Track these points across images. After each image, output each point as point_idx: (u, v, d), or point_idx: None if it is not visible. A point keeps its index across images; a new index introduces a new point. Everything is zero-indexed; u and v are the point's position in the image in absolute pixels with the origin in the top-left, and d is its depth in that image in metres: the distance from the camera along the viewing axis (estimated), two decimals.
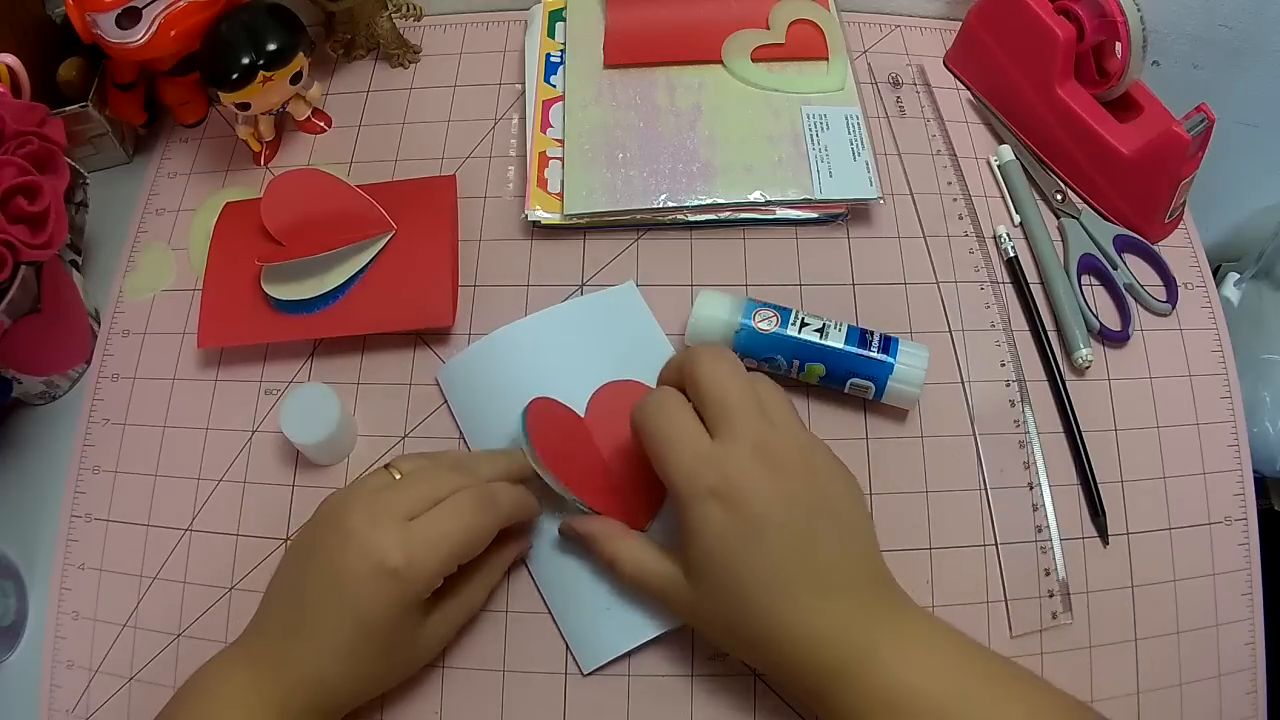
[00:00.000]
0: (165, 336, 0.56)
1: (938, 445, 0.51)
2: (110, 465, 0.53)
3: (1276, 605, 0.50)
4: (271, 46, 0.53)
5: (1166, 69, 0.64)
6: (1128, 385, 0.53)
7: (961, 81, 0.63)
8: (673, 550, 0.43)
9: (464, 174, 0.59)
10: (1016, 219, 0.58)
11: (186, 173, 0.62)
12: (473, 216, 0.58)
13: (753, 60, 0.60)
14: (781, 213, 0.56)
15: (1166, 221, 0.57)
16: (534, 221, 0.56)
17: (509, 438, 0.49)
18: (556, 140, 0.58)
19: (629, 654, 0.46)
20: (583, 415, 0.49)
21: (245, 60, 0.53)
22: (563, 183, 0.56)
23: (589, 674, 0.46)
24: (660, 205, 0.55)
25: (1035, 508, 0.50)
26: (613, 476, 0.47)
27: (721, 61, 0.60)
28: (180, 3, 0.53)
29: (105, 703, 0.48)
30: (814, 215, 0.56)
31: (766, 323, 0.50)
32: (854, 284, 0.55)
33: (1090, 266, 0.56)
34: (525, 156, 0.58)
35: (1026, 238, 0.57)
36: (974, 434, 0.51)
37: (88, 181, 0.57)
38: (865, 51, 0.64)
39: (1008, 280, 0.56)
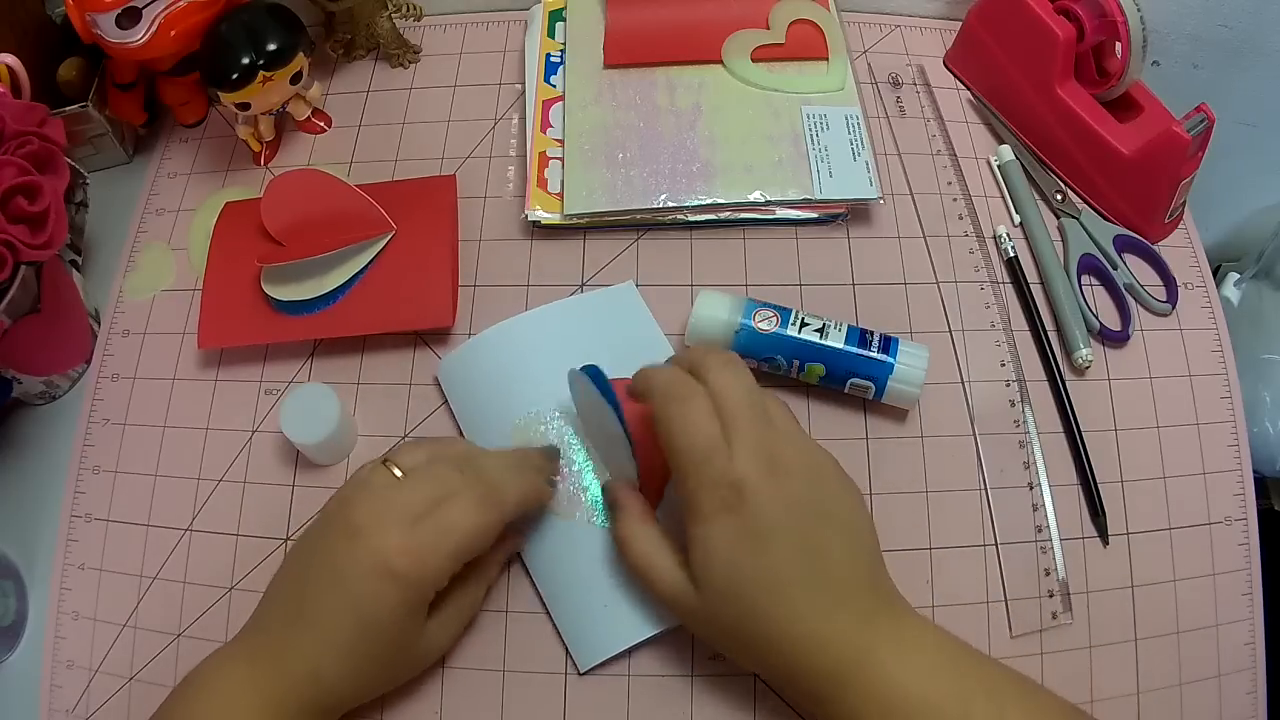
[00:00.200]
0: (165, 336, 0.56)
1: (938, 445, 0.51)
2: (110, 465, 0.53)
3: (1276, 605, 0.50)
4: (271, 46, 0.53)
5: (1166, 69, 0.64)
6: (1128, 385, 0.53)
7: (961, 81, 0.63)
8: (679, 548, 0.43)
9: (464, 174, 0.59)
10: (1016, 219, 0.58)
11: (186, 173, 0.62)
12: (473, 216, 0.58)
13: (753, 60, 0.60)
14: (781, 213, 0.56)
15: (1166, 221, 0.57)
16: (534, 221, 0.56)
17: (509, 429, 0.49)
18: (556, 140, 0.58)
19: (628, 653, 0.46)
20: (574, 401, 0.49)
21: (245, 60, 0.53)
22: (563, 183, 0.56)
23: (586, 672, 0.46)
24: (660, 205, 0.55)
25: (1035, 508, 0.50)
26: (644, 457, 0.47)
27: (721, 61, 0.60)
28: (180, 3, 0.53)
29: (105, 703, 0.48)
30: (814, 215, 0.56)
31: (766, 323, 0.50)
32: (854, 284, 0.55)
33: (1090, 266, 0.56)
34: (525, 156, 0.58)
35: (1026, 238, 0.57)
36: (974, 434, 0.51)
37: (88, 181, 0.57)
38: (865, 51, 0.64)
39: (1008, 280, 0.56)
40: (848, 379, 0.50)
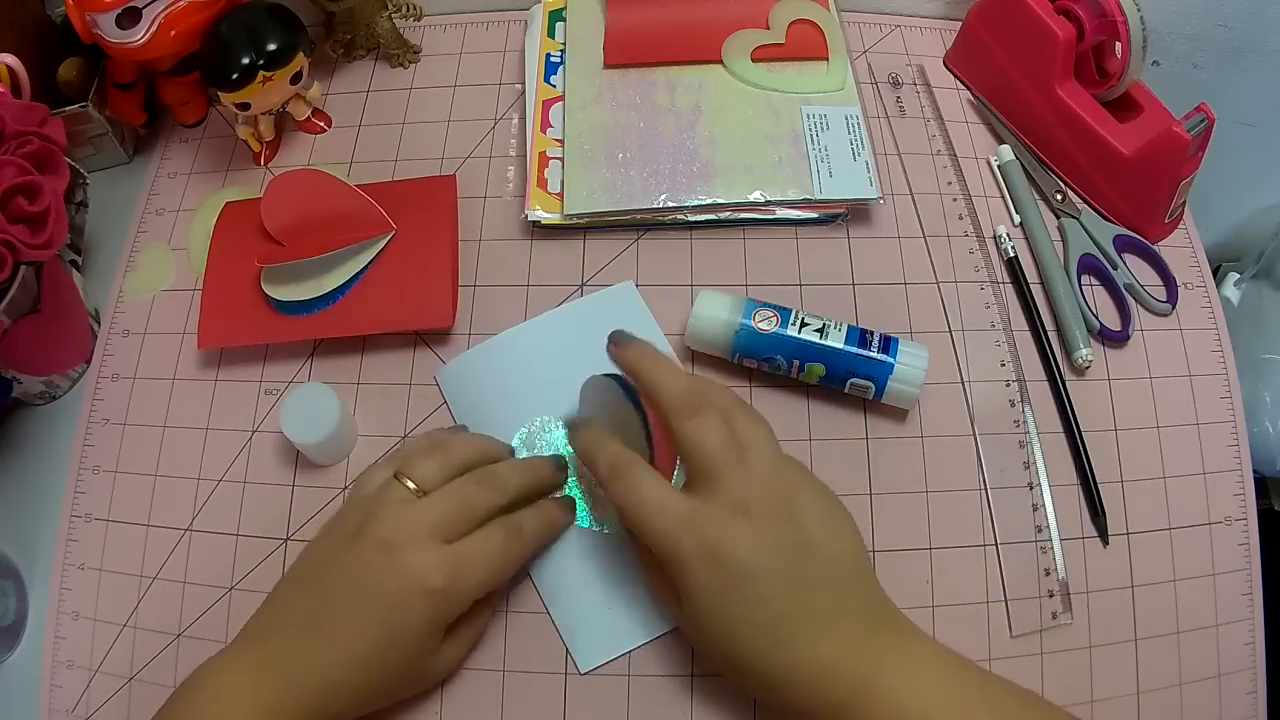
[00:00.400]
0: (165, 336, 0.56)
1: (938, 445, 0.51)
2: (110, 465, 0.53)
3: (1276, 605, 0.50)
4: (271, 46, 0.53)
5: (1166, 69, 0.64)
6: (1128, 385, 0.53)
7: (961, 81, 0.63)
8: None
9: (464, 174, 0.59)
10: (1016, 219, 0.58)
11: (186, 173, 0.62)
12: (473, 216, 0.58)
13: (753, 60, 0.60)
14: (781, 213, 0.56)
15: (1166, 221, 0.57)
16: (534, 221, 0.56)
17: (514, 441, 0.50)
18: (556, 140, 0.58)
19: (628, 654, 0.46)
20: (579, 413, 0.49)
21: (245, 60, 0.53)
22: (563, 183, 0.56)
23: (586, 673, 0.46)
24: (660, 205, 0.55)
25: (1035, 508, 0.50)
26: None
27: (721, 61, 0.60)
28: (180, 3, 0.53)
29: (105, 703, 0.48)
30: (814, 215, 0.56)
31: (766, 323, 0.50)
32: (854, 284, 0.55)
33: (1090, 266, 0.56)
34: (525, 156, 0.58)
35: (1026, 238, 0.57)
36: (974, 434, 0.51)
37: (88, 181, 0.57)
38: (865, 51, 0.64)
39: (1008, 280, 0.56)
40: (848, 379, 0.50)
